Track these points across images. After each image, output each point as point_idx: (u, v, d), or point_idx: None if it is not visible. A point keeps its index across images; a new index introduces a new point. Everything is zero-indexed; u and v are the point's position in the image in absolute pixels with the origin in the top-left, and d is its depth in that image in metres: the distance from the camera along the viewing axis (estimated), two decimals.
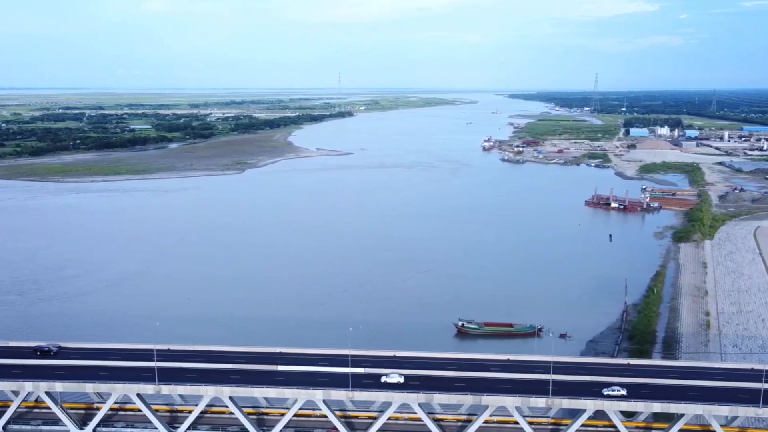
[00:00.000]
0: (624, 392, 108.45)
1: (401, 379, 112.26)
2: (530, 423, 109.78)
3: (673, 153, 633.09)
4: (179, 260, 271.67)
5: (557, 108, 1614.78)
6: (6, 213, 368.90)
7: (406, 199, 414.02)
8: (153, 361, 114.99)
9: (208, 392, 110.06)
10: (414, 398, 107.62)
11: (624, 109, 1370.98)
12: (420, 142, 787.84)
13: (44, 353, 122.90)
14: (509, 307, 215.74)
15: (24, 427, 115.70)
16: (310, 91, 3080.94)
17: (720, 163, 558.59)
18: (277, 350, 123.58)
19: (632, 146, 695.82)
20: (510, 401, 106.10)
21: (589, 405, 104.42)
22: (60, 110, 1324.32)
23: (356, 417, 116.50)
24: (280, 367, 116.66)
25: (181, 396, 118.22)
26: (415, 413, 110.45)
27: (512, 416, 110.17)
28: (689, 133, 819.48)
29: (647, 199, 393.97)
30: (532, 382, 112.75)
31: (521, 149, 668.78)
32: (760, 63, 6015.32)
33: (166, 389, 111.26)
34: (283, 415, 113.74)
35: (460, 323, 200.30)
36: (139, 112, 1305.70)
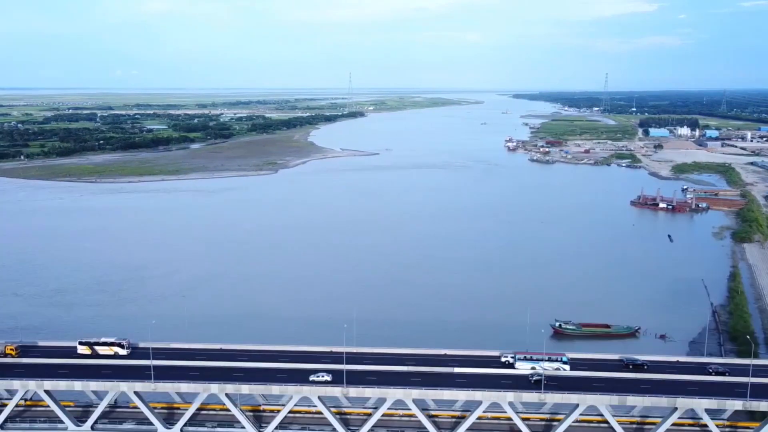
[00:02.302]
0: (329, 378, 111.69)
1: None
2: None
3: (700, 153, 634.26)
4: (252, 261, 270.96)
5: (566, 108, 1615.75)
6: (63, 213, 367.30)
7: (460, 200, 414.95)
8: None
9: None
10: (600, 400, 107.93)
11: (634, 110, 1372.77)
12: (441, 142, 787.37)
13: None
14: (589, 307, 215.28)
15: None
16: (311, 91, 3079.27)
17: (751, 164, 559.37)
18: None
19: (659, 146, 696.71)
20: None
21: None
22: (69, 110, 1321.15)
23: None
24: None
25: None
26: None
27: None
28: (709, 133, 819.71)
29: (694, 200, 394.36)
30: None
31: (548, 149, 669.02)
32: (761, 63, 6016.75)
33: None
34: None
35: (557, 324, 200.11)
36: (150, 112, 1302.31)
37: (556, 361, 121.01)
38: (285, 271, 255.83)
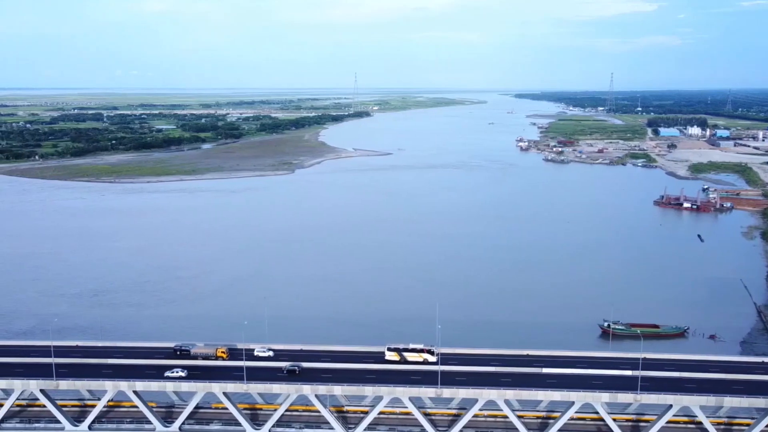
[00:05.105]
0: (184, 374, 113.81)
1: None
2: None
3: (715, 153, 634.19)
4: (299, 261, 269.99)
5: (571, 108, 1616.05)
6: (88, 213, 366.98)
7: (483, 199, 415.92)
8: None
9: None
10: (695, 401, 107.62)
11: (640, 109, 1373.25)
12: (452, 141, 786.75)
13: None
14: (631, 306, 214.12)
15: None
16: (313, 91, 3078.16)
17: (767, 163, 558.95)
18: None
19: (672, 146, 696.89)
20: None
21: None
22: (75, 110, 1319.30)
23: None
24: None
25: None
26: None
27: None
28: (720, 132, 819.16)
29: (718, 199, 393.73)
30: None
31: (561, 149, 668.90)
32: (763, 63, 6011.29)
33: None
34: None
35: (605, 324, 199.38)
36: (156, 112, 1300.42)
37: None
38: (339, 272, 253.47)
